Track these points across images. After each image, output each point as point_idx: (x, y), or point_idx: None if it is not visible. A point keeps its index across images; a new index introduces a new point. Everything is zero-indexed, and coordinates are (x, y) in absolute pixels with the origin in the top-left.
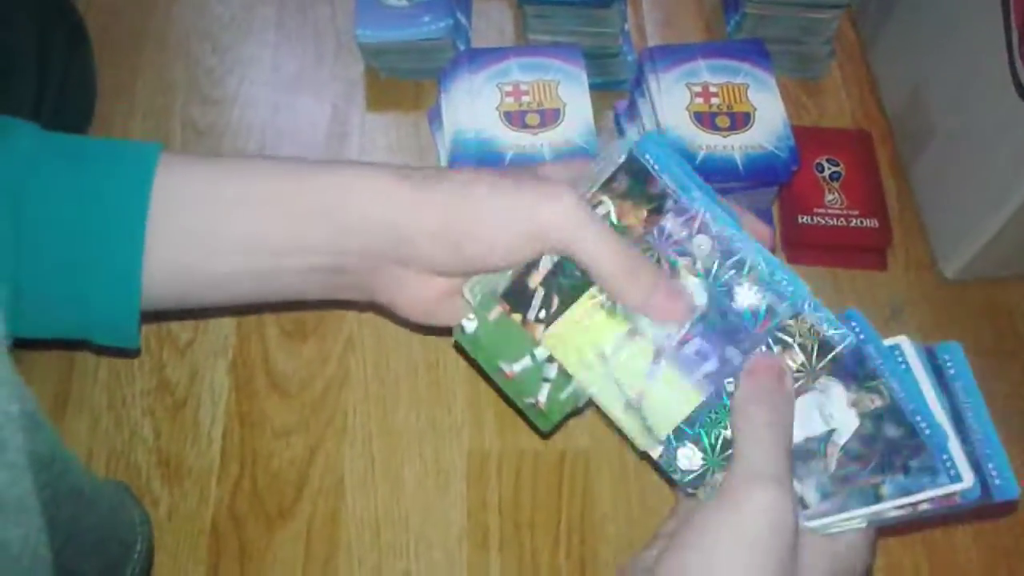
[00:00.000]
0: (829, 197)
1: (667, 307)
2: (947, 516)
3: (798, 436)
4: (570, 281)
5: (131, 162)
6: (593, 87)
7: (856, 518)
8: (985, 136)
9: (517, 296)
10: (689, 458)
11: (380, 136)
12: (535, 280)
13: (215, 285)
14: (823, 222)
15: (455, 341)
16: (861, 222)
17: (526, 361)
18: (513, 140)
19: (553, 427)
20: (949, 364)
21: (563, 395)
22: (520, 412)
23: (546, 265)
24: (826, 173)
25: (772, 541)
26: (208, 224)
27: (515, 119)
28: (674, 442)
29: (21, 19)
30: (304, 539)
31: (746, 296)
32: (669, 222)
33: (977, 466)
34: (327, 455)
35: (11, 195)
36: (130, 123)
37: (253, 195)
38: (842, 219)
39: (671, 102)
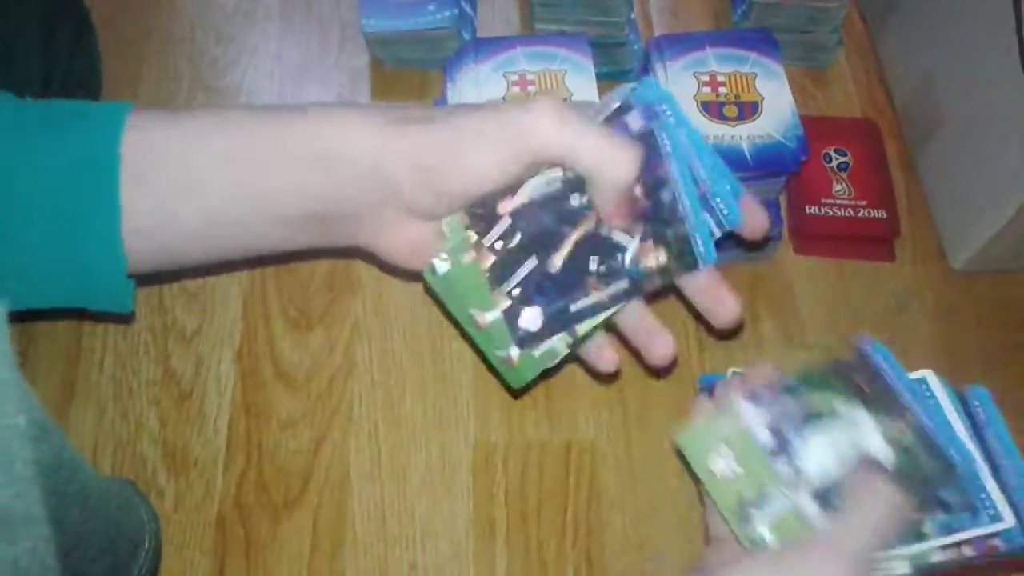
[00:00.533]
0: (837, 188)
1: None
2: (991, 564)
3: (837, 471)
4: (539, 227)
5: (99, 122)
6: (600, 76)
7: (900, 558)
8: (994, 126)
9: (481, 216)
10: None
11: None
12: (505, 207)
13: (200, 238)
14: (831, 213)
15: (424, 282)
16: (869, 213)
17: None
18: None
19: (525, 385)
20: (978, 407)
21: (537, 352)
22: (491, 366)
23: (521, 197)
24: (834, 163)
25: None
26: (189, 179)
27: None
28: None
29: (27, 9)
30: (310, 530)
31: None
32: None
33: (1017, 510)
34: (333, 446)
35: None
36: None
37: (232, 148)
38: (850, 210)
39: (678, 91)
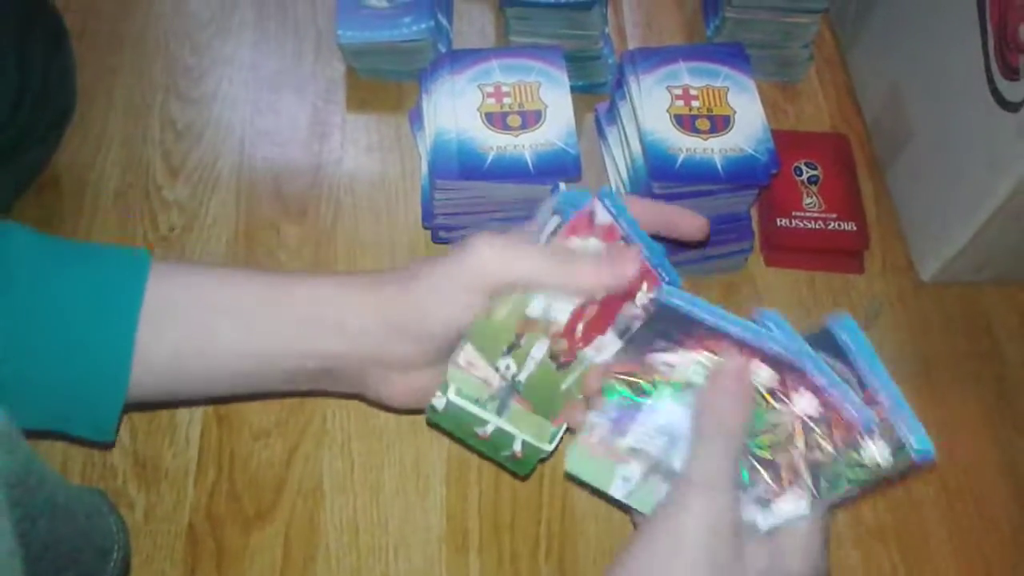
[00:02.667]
0: (807, 200)
1: (618, 271)
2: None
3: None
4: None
5: (124, 265)
6: (574, 89)
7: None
8: (961, 140)
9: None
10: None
11: (362, 136)
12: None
13: (204, 383)
14: (801, 225)
15: (428, 420)
16: (839, 225)
17: (496, 422)
18: (494, 141)
19: (531, 470)
20: (845, 339)
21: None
22: (499, 464)
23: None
24: (804, 176)
25: (710, 547)
26: (200, 335)
27: (496, 120)
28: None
29: (1, 18)
30: (282, 541)
31: None
32: None
33: (892, 430)
34: (306, 457)
35: (4, 293)
36: (109, 122)
37: (242, 304)
38: (820, 222)
39: (651, 104)
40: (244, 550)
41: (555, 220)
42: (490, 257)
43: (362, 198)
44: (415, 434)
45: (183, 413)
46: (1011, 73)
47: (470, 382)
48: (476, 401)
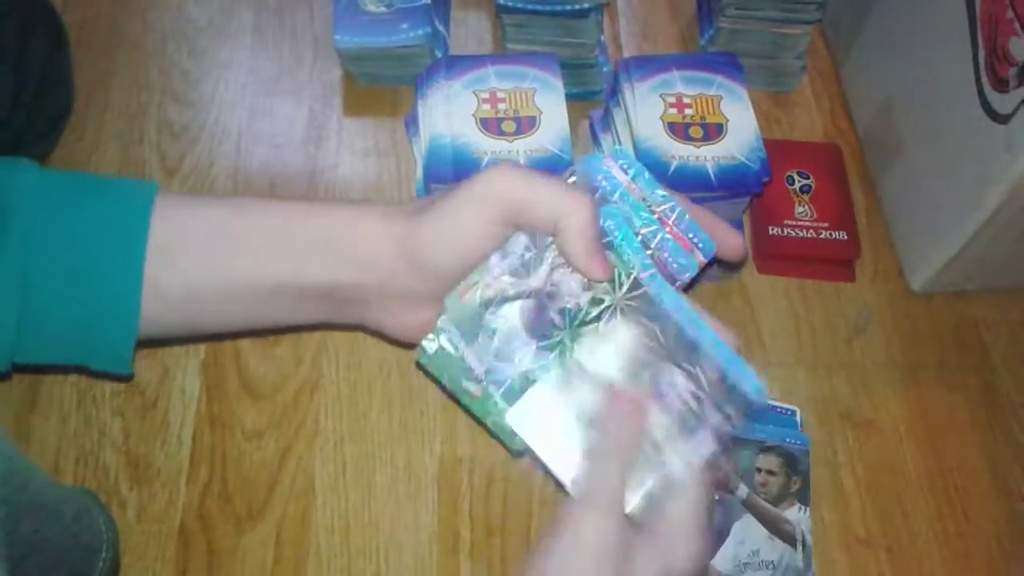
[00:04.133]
0: (799, 209)
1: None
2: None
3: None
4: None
5: (131, 196)
6: (569, 97)
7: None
8: (952, 151)
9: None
10: None
11: (357, 140)
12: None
13: (219, 314)
14: (793, 234)
15: (417, 361)
16: (830, 234)
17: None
18: (489, 147)
19: (523, 448)
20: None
21: None
22: (490, 432)
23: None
24: (796, 186)
25: (601, 569)
26: (213, 258)
27: (491, 126)
28: None
29: (2, 19)
30: (274, 542)
31: None
32: None
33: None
34: (298, 458)
35: (19, 230)
36: (106, 123)
37: (255, 232)
38: (811, 231)
39: (645, 112)
40: (236, 550)
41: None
42: (505, 181)
43: None
44: (407, 435)
45: (176, 413)
46: (1001, 85)
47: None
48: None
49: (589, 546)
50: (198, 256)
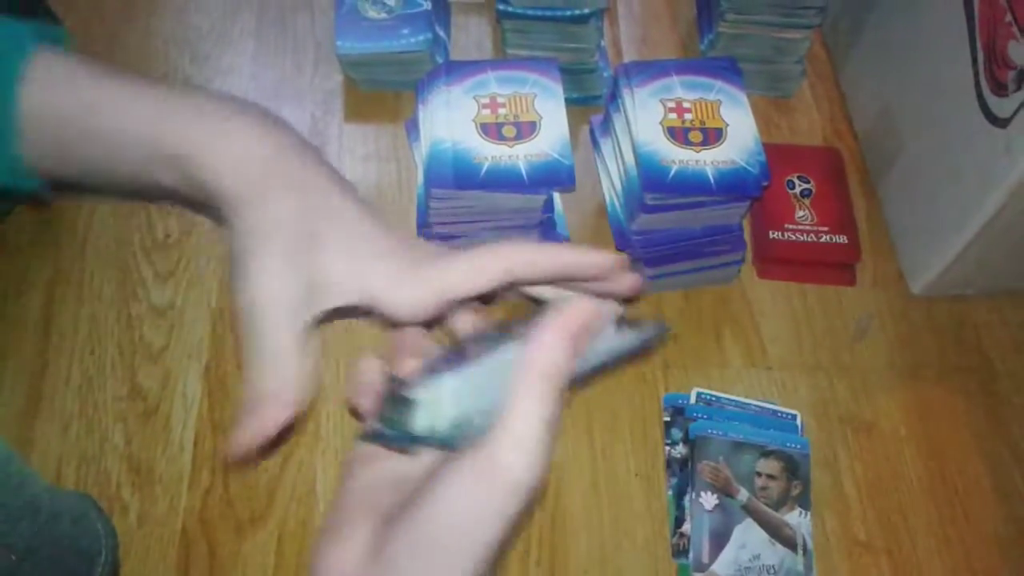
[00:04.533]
0: (799, 213)
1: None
2: None
3: None
4: None
5: (14, 33)
6: (569, 102)
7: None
8: (951, 155)
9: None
10: None
11: (359, 146)
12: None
13: (90, 160)
14: (793, 238)
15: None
16: (831, 238)
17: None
18: (489, 152)
19: None
20: None
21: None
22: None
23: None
24: (797, 190)
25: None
26: (83, 103)
27: (492, 131)
28: None
29: None
30: (275, 546)
31: None
32: None
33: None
34: (300, 463)
35: None
36: None
37: (126, 94)
38: (812, 235)
39: (645, 117)
40: (237, 554)
41: None
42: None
43: None
44: None
45: (178, 419)
46: (1000, 89)
47: None
48: None
49: (511, 490)
50: (68, 98)
